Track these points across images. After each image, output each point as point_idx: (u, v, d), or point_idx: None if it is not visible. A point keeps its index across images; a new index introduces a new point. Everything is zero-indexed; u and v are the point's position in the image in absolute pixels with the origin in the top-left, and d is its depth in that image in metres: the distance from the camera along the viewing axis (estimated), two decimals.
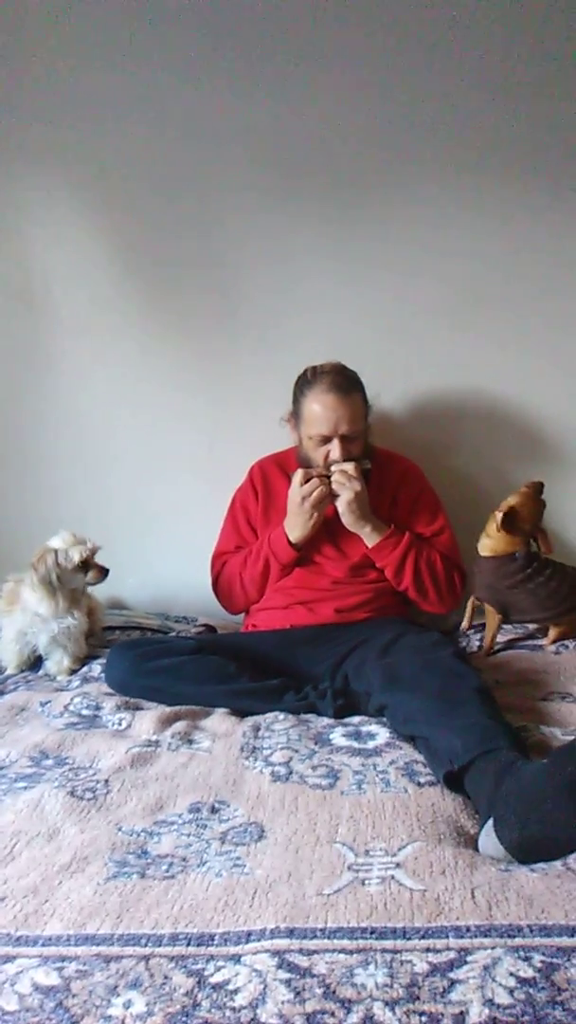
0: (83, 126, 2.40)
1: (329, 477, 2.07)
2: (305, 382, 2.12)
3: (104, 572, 2.08)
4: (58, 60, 2.37)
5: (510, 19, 2.30)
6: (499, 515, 2.06)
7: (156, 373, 2.52)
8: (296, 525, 2.10)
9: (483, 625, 2.19)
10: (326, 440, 2.08)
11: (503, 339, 2.44)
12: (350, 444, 2.08)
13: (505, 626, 2.18)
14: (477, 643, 2.21)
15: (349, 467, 2.07)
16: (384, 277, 2.43)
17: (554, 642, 2.14)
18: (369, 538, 2.11)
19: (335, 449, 2.07)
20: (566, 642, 2.12)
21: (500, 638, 2.18)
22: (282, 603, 2.15)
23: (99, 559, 2.09)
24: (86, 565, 2.05)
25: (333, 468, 2.07)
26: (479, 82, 2.33)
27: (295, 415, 2.15)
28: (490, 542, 2.11)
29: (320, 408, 2.06)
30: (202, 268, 2.46)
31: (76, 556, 2.03)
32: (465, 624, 2.28)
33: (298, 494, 2.07)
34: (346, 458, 2.07)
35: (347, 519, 2.09)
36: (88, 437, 2.56)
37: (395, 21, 2.31)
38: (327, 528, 2.14)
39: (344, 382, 2.07)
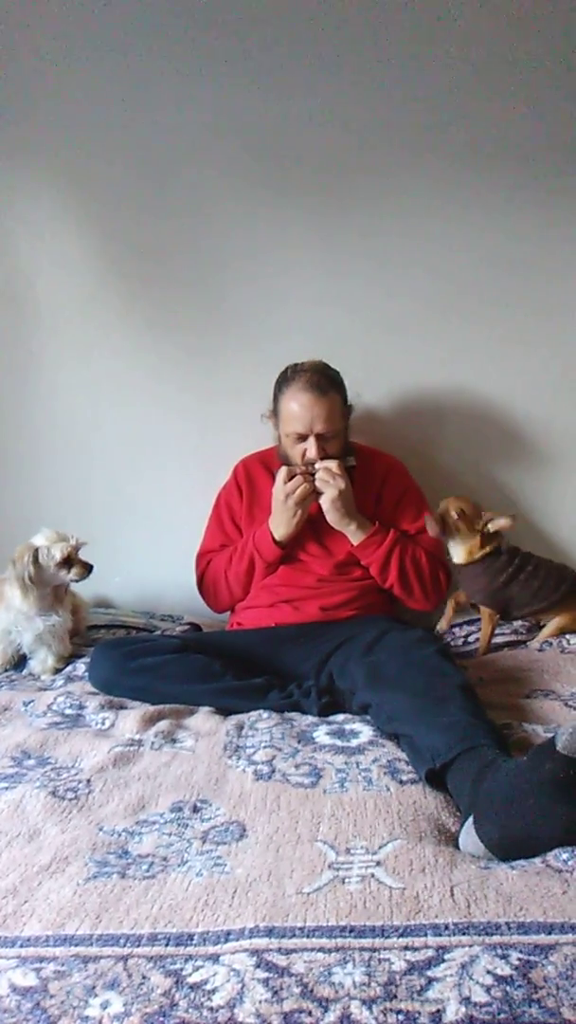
0: (66, 120, 2.39)
1: (313, 474, 2.07)
2: (284, 379, 2.12)
3: (88, 568, 2.07)
4: (40, 53, 2.36)
5: (504, 11, 2.30)
6: (488, 529, 2.12)
7: (141, 369, 2.51)
8: (280, 523, 2.10)
9: (466, 623, 2.20)
10: (302, 438, 2.08)
11: (489, 335, 2.44)
12: (326, 443, 2.09)
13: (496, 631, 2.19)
14: (462, 640, 2.21)
15: (333, 464, 2.07)
16: (371, 272, 2.44)
17: (555, 635, 2.14)
18: (354, 536, 2.11)
19: (311, 447, 2.07)
20: (549, 639, 2.13)
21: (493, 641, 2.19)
22: (267, 601, 2.15)
23: (83, 557, 2.08)
24: (69, 561, 2.04)
25: (317, 465, 2.07)
26: (471, 74, 2.33)
27: (274, 412, 2.16)
28: (473, 549, 2.12)
29: (296, 406, 2.06)
30: (187, 262, 2.45)
31: (58, 553, 2.02)
32: (444, 625, 2.27)
33: (282, 491, 2.07)
34: (321, 457, 2.07)
35: (331, 517, 2.09)
36: (72, 434, 2.55)
37: (388, 12, 2.31)
38: (312, 526, 2.14)
39: (321, 381, 2.07)
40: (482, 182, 2.37)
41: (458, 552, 2.15)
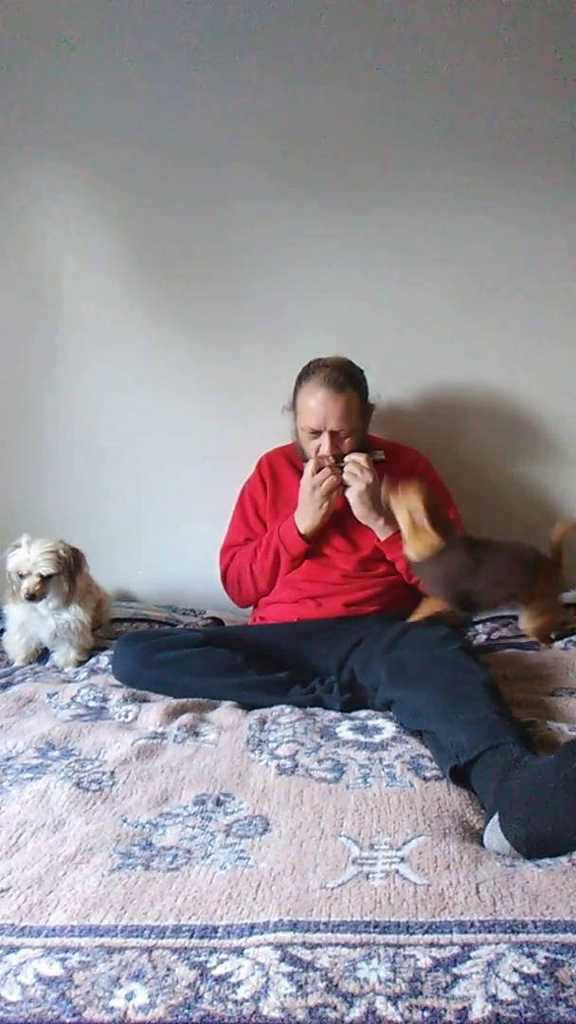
0: (90, 116, 2.40)
1: (342, 467, 2.07)
2: (305, 373, 2.13)
3: (29, 593, 1.98)
4: (62, 51, 2.37)
5: (518, 3, 2.28)
6: (422, 516, 1.85)
7: (162, 362, 2.52)
8: (307, 515, 2.09)
9: (488, 620, 2.19)
10: (316, 433, 2.09)
11: (514, 330, 2.43)
12: (339, 441, 2.08)
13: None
14: (485, 637, 2.20)
15: (361, 458, 2.06)
16: (395, 264, 2.43)
17: (538, 637, 2.04)
18: (381, 531, 2.11)
19: (324, 443, 2.08)
20: (574, 638, 2.10)
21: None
22: (291, 597, 2.15)
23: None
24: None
25: (346, 459, 2.07)
26: (489, 65, 2.31)
27: (293, 405, 2.16)
28: (429, 543, 1.85)
29: (312, 402, 2.07)
30: (210, 255, 2.46)
31: (10, 563, 2.00)
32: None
33: (309, 483, 2.07)
34: (335, 453, 2.07)
35: (358, 511, 2.08)
36: (96, 428, 2.56)
37: (403, 3, 2.29)
38: (337, 521, 2.13)
39: (339, 378, 2.07)
40: (508, 174, 2.36)
41: (414, 548, 1.87)
